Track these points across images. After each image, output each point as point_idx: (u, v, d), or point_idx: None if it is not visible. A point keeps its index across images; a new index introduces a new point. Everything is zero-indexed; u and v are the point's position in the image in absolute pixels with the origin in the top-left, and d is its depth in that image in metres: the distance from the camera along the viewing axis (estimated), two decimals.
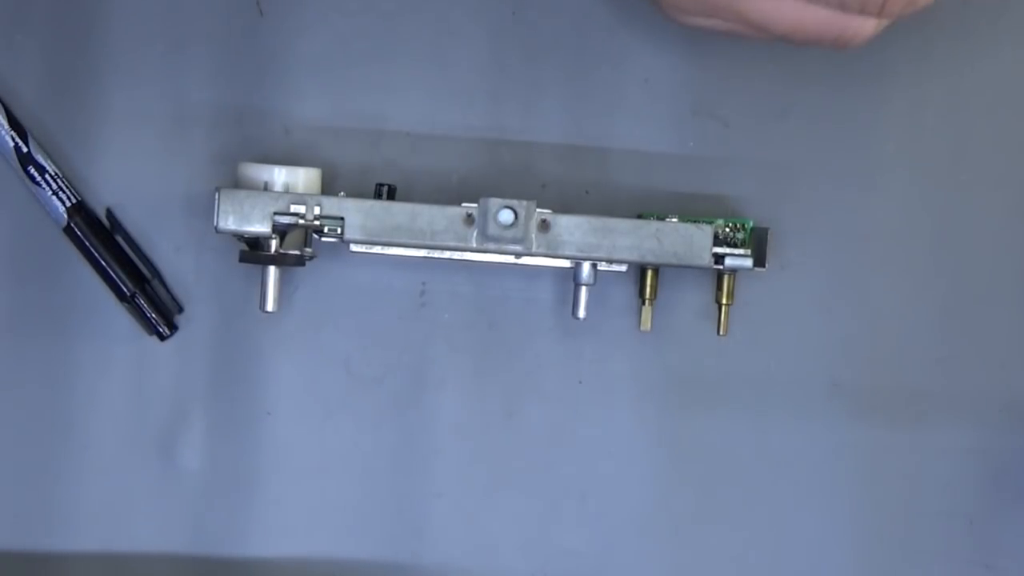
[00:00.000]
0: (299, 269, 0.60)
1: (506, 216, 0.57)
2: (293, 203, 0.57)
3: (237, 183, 0.58)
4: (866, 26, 0.53)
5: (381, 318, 0.61)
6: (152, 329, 0.60)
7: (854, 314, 0.61)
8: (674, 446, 0.61)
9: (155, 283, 0.61)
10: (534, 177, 0.61)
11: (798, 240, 0.61)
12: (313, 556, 0.61)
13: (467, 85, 0.61)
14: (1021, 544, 0.62)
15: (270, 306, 0.58)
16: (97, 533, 0.61)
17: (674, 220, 0.57)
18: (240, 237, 0.58)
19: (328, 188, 0.59)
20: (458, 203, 0.57)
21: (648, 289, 0.60)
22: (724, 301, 0.60)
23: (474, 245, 0.57)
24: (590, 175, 0.61)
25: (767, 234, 0.58)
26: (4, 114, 0.60)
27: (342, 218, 0.57)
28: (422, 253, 0.59)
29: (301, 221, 0.57)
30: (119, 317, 0.61)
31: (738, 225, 0.58)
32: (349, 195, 0.57)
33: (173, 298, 0.61)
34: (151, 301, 0.60)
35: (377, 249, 0.58)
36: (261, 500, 0.61)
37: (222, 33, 0.61)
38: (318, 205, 0.57)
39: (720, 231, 0.58)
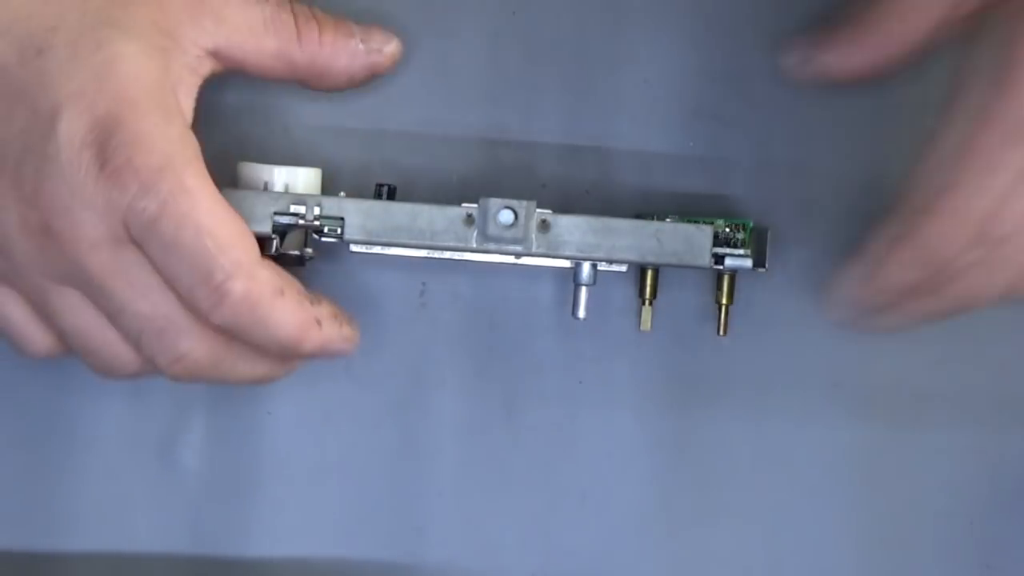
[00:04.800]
0: (299, 269, 0.60)
1: (506, 216, 0.57)
2: (293, 203, 0.57)
3: (237, 183, 0.58)
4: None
5: (381, 318, 0.61)
6: None
7: None
8: (674, 446, 0.61)
9: None
10: (534, 177, 0.61)
11: (798, 240, 0.61)
12: (313, 556, 0.61)
13: (467, 85, 0.61)
14: (1021, 544, 0.62)
15: None
16: (97, 533, 0.61)
17: (674, 220, 0.57)
18: None
19: (328, 188, 0.59)
20: (458, 203, 0.57)
21: (648, 289, 0.60)
22: (724, 301, 0.59)
23: (474, 245, 0.57)
24: (590, 175, 0.61)
25: (767, 234, 0.58)
26: None
27: (342, 218, 0.57)
28: (422, 253, 0.59)
29: (301, 221, 0.57)
30: None
31: (738, 225, 0.58)
32: (349, 195, 0.57)
33: None
34: None
35: (377, 249, 0.58)
36: (261, 500, 0.61)
37: None
38: (318, 205, 0.57)
39: (720, 231, 0.58)
